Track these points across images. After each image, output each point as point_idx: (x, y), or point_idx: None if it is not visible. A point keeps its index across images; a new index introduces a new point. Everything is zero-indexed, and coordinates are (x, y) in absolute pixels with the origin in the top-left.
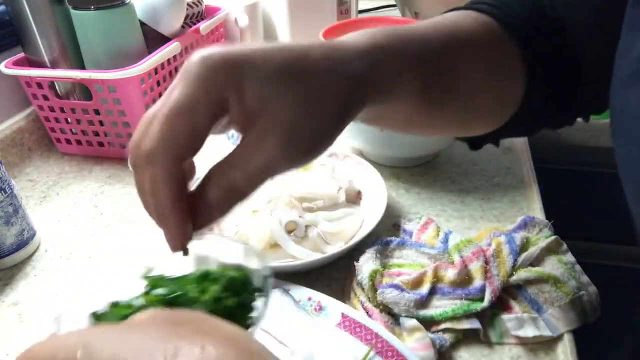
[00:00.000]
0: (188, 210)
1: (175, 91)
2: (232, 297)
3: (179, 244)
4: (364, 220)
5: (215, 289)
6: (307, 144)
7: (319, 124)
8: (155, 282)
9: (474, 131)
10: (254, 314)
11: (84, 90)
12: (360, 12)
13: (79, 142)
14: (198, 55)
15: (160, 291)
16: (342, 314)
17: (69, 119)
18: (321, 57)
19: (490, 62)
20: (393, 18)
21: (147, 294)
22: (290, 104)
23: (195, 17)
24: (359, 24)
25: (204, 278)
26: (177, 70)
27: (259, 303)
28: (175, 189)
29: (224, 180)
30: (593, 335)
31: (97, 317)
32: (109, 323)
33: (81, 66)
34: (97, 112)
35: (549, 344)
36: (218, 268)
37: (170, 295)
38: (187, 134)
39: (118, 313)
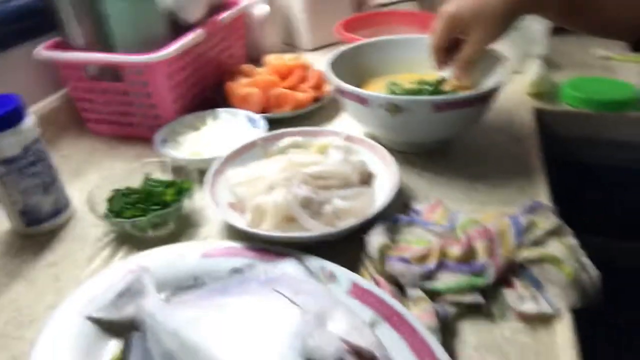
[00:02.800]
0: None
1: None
2: None
3: (440, 67)
4: (376, 200)
5: None
6: (491, 35)
7: (497, 27)
8: None
9: (611, 38)
10: None
11: (114, 72)
12: (379, 5)
13: (108, 122)
14: (445, 9)
15: None
16: (353, 283)
17: (99, 100)
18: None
19: None
20: (411, 12)
21: None
22: (481, 24)
23: (215, 7)
24: (377, 17)
25: None
26: (199, 56)
27: None
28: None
29: (461, 56)
30: (607, 336)
31: None
32: None
33: (111, 49)
34: (126, 94)
35: (548, 320)
36: None
37: None
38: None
39: None
